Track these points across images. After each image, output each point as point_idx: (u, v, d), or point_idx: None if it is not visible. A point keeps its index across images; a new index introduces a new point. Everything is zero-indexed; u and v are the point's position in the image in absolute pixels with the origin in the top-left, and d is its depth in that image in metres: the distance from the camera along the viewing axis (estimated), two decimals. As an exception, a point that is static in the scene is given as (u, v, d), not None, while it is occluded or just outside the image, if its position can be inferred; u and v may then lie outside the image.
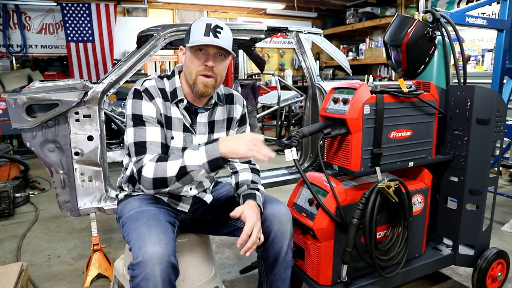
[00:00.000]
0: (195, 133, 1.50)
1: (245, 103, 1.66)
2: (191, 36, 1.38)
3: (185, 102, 1.46)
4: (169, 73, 1.52)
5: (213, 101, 1.51)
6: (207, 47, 1.36)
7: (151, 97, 1.41)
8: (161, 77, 1.50)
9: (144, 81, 1.46)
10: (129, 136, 1.40)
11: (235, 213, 1.36)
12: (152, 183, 1.31)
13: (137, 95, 1.42)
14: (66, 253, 2.58)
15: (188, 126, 1.48)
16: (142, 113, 1.39)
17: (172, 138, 1.46)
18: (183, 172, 1.28)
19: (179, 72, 1.51)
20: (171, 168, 1.29)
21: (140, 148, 1.37)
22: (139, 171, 1.34)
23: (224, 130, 1.58)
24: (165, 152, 1.42)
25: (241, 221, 1.39)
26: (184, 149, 1.46)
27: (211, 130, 1.54)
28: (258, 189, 1.51)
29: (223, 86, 1.60)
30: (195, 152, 1.29)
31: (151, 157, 1.35)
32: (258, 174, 1.64)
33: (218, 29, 1.36)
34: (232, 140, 1.29)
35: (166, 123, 1.45)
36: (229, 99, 1.60)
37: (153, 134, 1.39)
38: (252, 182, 1.56)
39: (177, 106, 1.46)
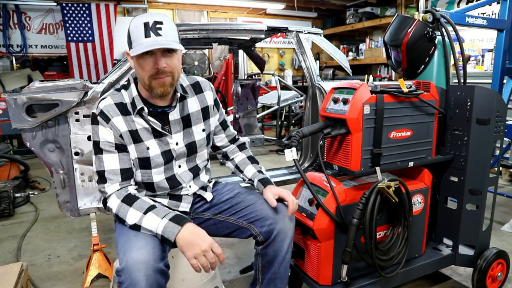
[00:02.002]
0: (171, 133, 1.46)
1: (212, 86, 1.60)
2: (133, 41, 1.29)
3: (146, 109, 1.40)
4: (126, 83, 1.47)
5: (178, 95, 1.45)
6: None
7: (107, 119, 1.37)
8: (118, 89, 1.45)
9: (100, 101, 1.41)
10: (93, 163, 1.41)
11: (273, 203, 1.46)
12: (115, 216, 1.37)
13: (94, 120, 1.39)
14: (66, 253, 2.58)
15: (160, 130, 1.43)
16: (99, 139, 1.38)
17: (148, 148, 1.42)
18: (137, 227, 1.30)
19: (135, 79, 1.44)
20: (130, 216, 1.31)
21: (101, 177, 1.38)
22: (104, 200, 1.38)
23: (201, 121, 1.53)
24: (129, 177, 1.41)
25: (244, 220, 1.48)
26: (164, 153, 1.45)
27: (187, 124, 1.50)
28: (262, 172, 1.63)
29: (185, 77, 1.55)
30: (156, 218, 1.27)
31: (113, 188, 1.36)
32: (246, 147, 1.74)
33: (158, 25, 1.27)
34: (191, 237, 1.23)
35: (133, 137, 1.40)
36: (197, 88, 1.54)
37: (110, 162, 1.37)
38: (249, 158, 1.69)
39: (141, 115, 1.41)
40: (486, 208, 1.91)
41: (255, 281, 1.55)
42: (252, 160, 1.70)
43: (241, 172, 1.67)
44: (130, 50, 1.31)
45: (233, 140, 1.72)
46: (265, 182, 1.56)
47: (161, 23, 1.28)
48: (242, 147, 1.74)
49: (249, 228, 1.48)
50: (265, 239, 1.45)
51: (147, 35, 1.26)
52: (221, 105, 1.66)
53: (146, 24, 1.27)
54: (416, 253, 1.90)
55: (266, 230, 1.43)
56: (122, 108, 1.40)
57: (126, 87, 1.44)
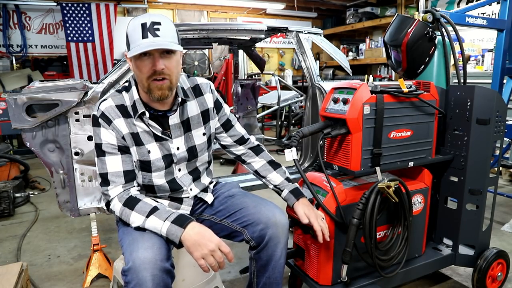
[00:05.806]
0: (171, 137, 1.44)
1: (212, 87, 1.56)
2: (130, 42, 1.28)
3: (147, 114, 1.37)
4: (127, 84, 1.44)
5: (179, 99, 1.41)
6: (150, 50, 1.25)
7: (109, 121, 1.35)
8: (119, 91, 1.42)
9: (101, 102, 1.39)
10: (96, 165, 1.40)
11: (305, 220, 1.46)
12: (119, 218, 1.38)
13: (95, 122, 1.37)
14: (66, 253, 2.59)
15: (160, 134, 1.41)
16: (101, 141, 1.36)
17: (149, 152, 1.41)
18: (142, 229, 1.30)
19: (136, 81, 1.41)
20: (133, 220, 1.31)
21: (104, 180, 1.37)
22: (107, 203, 1.39)
23: (201, 125, 1.51)
24: (132, 178, 1.39)
25: (237, 224, 1.46)
26: (165, 157, 1.43)
27: (188, 128, 1.47)
28: (290, 180, 1.60)
29: (187, 79, 1.52)
30: (159, 222, 1.27)
31: (116, 191, 1.36)
32: (263, 149, 1.67)
33: (155, 26, 1.25)
34: (198, 237, 1.23)
35: (135, 140, 1.39)
36: (197, 91, 1.51)
37: (113, 165, 1.36)
38: (270, 163, 1.63)
39: (142, 119, 1.39)
40: (486, 208, 1.91)
41: (251, 284, 1.54)
42: (274, 165, 1.64)
43: (263, 177, 1.63)
44: (128, 51, 1.29)
45: (240, 141, 1.64)
46: (297, 194, 1.54)
47: (159, 23, 1.25)
48: (258, 150, 1.66)
49: (242, 232, 1.46)
50: (257, 244, 1.42)
51: (144, 36, 1.24)
52: (225, 105, 1.61)
53: (143, 25, 1.25)
54: (416, 253, 1.90)
55: (257, 235, 1.41)
56: (123, 110, 1.38)
57: (127, 89, 1.42)
